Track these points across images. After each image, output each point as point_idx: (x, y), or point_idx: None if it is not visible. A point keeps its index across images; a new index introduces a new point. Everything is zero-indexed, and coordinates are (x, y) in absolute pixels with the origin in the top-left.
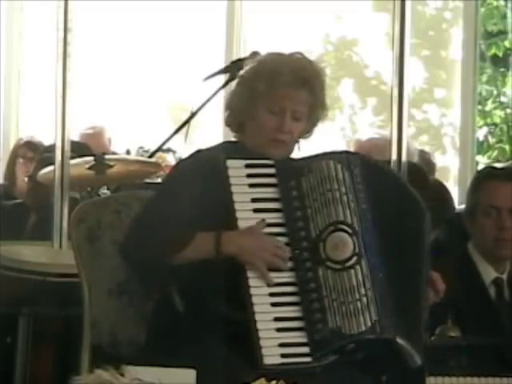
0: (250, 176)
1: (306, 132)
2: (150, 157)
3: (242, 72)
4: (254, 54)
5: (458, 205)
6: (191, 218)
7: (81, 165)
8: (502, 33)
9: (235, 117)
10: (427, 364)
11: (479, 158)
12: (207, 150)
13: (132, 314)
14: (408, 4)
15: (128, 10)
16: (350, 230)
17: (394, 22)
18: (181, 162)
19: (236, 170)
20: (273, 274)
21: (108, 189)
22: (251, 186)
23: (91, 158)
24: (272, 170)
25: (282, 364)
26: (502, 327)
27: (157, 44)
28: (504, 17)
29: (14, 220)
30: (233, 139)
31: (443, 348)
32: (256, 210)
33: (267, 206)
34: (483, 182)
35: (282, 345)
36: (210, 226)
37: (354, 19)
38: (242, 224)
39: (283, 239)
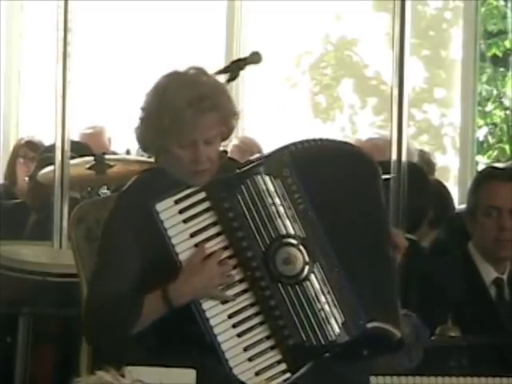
0: (181, 211)
1: (224, 139)
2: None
3: (142, 104)
4: (254, 54)
5: (458, 205)
6: (135, 273)
7: (81, 165)
8: (502, 33)
9: (147, 151)
10: (427, 364)
11: (479, 158)
12: (130, 188)
13: None
14: (408, 4)
15: (128, 10)
16: (294, 242)
17: (394, 21)
18: (109, 216)
19: (167, 211)
20: (229, 305)
21: (108, 189)
22: (185, 221)
23: (91, 158)
24: (202, 195)
25: None
26: (502, 327)
27: (157, 44)
28: (504, 17)
29: (14, 220)
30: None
31: (443, 348)
32: (197, 245)
33: (207, 235)
34: (484, 182)
35: (258, 373)
36: (158, 278)
37: (354, 19)
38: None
39: (233, 261)
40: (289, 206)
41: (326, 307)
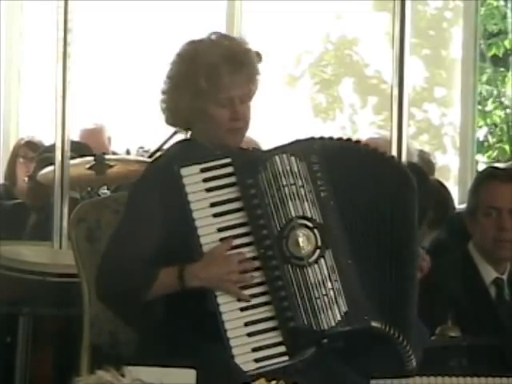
0: (206, 180)
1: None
2: (150, 157)
3: (168, 73)
4: (254, 53)
5: (458, 204)
6: (156, 241)
7: (81, 165)
8: (502, 33)
9: (179, 116)
10: (427, 364)
11: (479, 157)
12: (160, 157)
13: None
14: (408, 3)
15: (128, 10)
16: (310, 224)
17: (395, 21)
18: (137, 181)
19: (191, 177)
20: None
21: (108, 189)
22: (208, 190)
23: (91, 158)
24: (229, 169)
25: (258, 368)
26: (501, 327)
27: (157, 44)
28: (504, 17)
29: (14, 220)
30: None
31: (443, 348)
32: (215, 215)
33: (227, 208)
34: (484, 182)
35: (254, 349)
36: (176, 242)
37: (354, 18)
38: (202, 232)
39: (247, 239)
40: (310, 190)
41: (331, 293)
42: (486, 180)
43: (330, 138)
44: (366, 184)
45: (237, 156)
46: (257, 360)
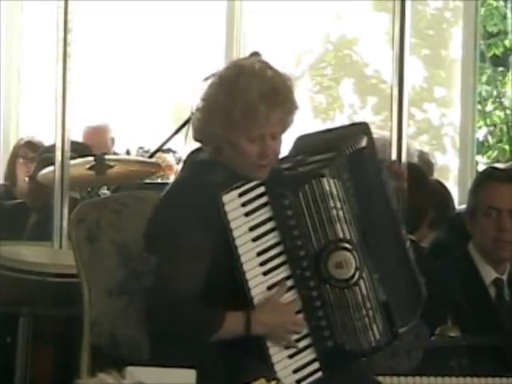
0: (244, 205)
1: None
2: (150, 157)
3: (204, 95)
4: (254, 54)
5: (458, 205)
6: (205, 272)
7: (81, 165)
8: (502, 33)
9: (209, 140)
10: (427, 364)
11: (479, 158)
12: (189, 180)
13: (132, 313)
14: (408, 4)
15: (128, 10)
16: (349, 247)
17: (394, 21)
18: (170, 206)
19: (232, 203)
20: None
21: (108, 189)
22: (246, 214)
23: (91, 158)
24: (262, 189)
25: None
26: (501, 327)
27: (157, 44)
28: (504, 17)
29: (14, 220)
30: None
31: (443, 348)
32: (254, 239)
33: (264, 230)
34: (484, 182)
35: (295, 371)
36: (219, 272)
37: (353, 18)
38: (244, 259)
39: (281, 258)
40: (347, 210)
41: (370, 312)
42: (486, 180)
43: (353, 145)
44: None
45: (272, 177)
46: (298, 381)
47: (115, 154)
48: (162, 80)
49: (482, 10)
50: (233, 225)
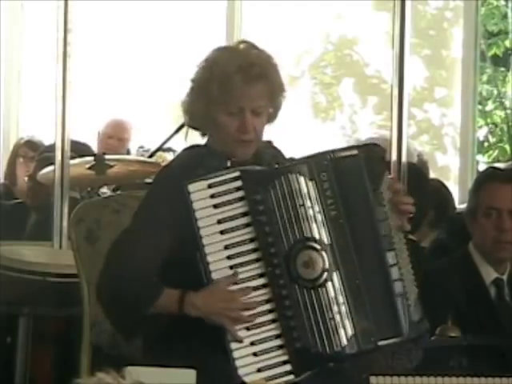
0: (213, 196)
1: (271, 118)
2: (150, 156)
3: (192, 75)
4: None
5: (458, 205)
6: (164, 252)
7: (81, 165)
8: (503, 33)
9: (195, 121)
10: (427, 364)
11: (479, 157)
12: (173, 162)
13: None
14: (408, 3)
15: (128, 10)
16: (317, 246)
17: (395, 20)
18: (150, 188)
19: (198, 193)
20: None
21: (108, 189)
22: (216, 206)
23: (91, 158)
24: (238, 183)
25: None
26: (501, 327)
27: (157, 44)
28: (504, 17)
29: (14, 220)
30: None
31: (443, 348)
32: (223, 232)
33: (235, 224)
34: (484, 182)
35: (260, 370)
36: (183, 255)
37: (354, 18)
38: (209, 250)
39: (255, 255)
40: (319, 210)
41: (337, 317)
42: (487, 180)
43: (343, 150)
44: (367, 196)
45: (246, 171)
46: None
47: (128, 152)
48: (162, 79)
49: (483, 10)
50: (198, 214)
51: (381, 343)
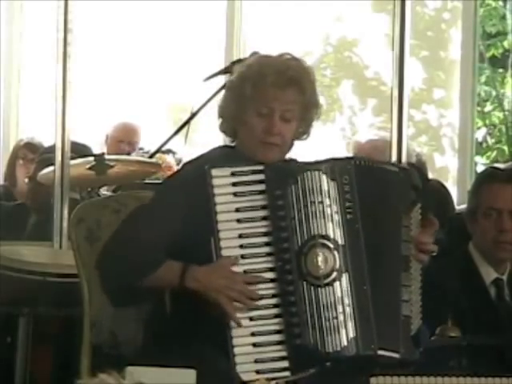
0: (235, 184)
1: (301, 133)
2: (150, 157)
3: (230, 77)
4: (254, 54)
5: (457, 205)
6: (172, 235)
7: (81, 165)
8: (501, 34)
9: (227, 123)
10: (427, 364)
11: (478, 158)
12: (198, 158)
13: (132, 313)
14: (408, 5)
15: (128, 11)
16: (331, 245)
17: (394, 22)
18: (171, 176)
19: (221, 178)
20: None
21: (108, 189)
22: (236, 194)
23: (91, 159)
24: (261, 176)
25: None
26: (501, 327)
27: (157, 44)
28: (503, 18)
29: (15, 221)
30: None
31: (443, 348)
32: (239, 220)
33: (252, 215)
34: (484, 183)
35: (257, 361)
36: (192, 242)
37: (353, 20)
38: (223, 235)
39: (267, 249)
40: (337, 210)
41: (341, 317)
42: (487, 181)
43: (370, 160)
44: (389, 207)
45: (269, 165)
46: (258, 371)
47: (129, 154)
48: (162, 81)
49: (481, 11)
50: (217, 199)
51: (380, 352)
